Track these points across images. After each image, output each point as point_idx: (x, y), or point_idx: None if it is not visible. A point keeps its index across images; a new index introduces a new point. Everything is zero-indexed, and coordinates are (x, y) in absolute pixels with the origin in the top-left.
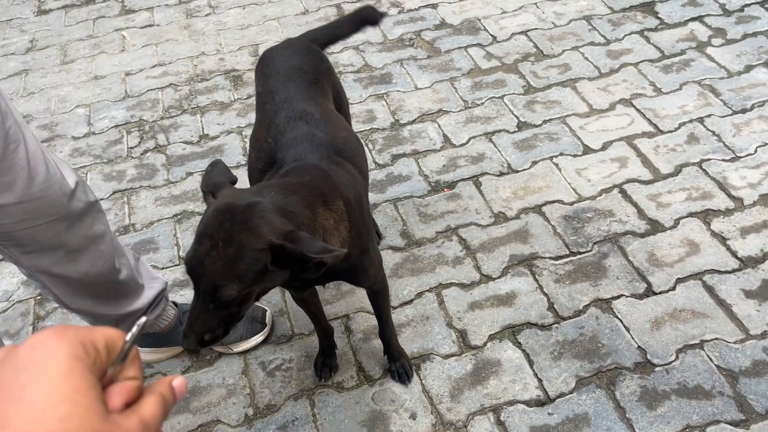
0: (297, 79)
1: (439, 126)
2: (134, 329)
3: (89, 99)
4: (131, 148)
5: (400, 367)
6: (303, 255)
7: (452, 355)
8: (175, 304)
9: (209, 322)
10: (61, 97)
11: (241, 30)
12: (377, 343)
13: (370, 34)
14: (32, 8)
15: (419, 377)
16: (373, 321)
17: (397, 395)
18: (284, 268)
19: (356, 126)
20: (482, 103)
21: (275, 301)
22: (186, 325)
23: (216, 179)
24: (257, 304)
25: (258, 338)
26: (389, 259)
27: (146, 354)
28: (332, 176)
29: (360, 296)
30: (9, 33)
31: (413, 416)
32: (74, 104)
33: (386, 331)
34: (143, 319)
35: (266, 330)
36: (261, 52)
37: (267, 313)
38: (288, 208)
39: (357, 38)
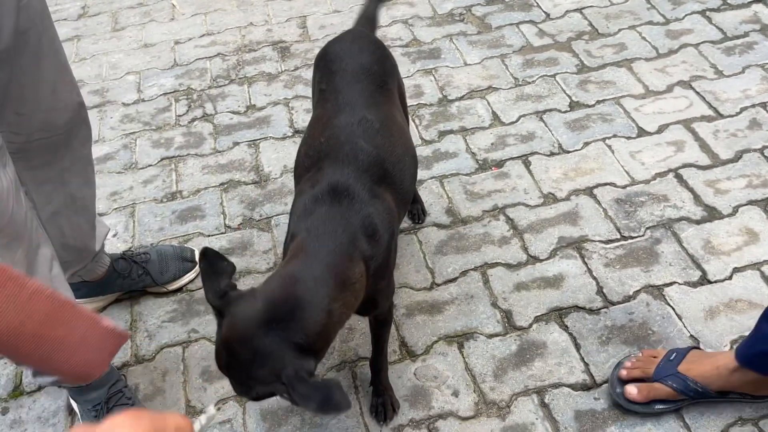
0: (365, 80)
1: (488, 103)
2: (202, 420)
3: (139, 66)
4: (179, 116)
5: (381, 403)
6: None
7: (496, 335)
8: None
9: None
10: (112, 63)
11: (289, 1)
12: (420, 318)
13: (419, 8)
14: None
15: (462, 355)
16: (417, 296)
17: (440, 372)
18: None
19: None
20: (533, 81)
21: None
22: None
23: (219, 287)
24: (186, 245)
25: (190, 275)
26: (434, 237)
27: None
28: (358, 239)
29: (404, 272)
30: None
31: (455, 393)
32: (125, 71)
33: (378, 361)
34: (212, 409)
35: (197, 267)
36: (309, 24)
37: (195, 252)
38: (298, 333)
39: (406, 12)
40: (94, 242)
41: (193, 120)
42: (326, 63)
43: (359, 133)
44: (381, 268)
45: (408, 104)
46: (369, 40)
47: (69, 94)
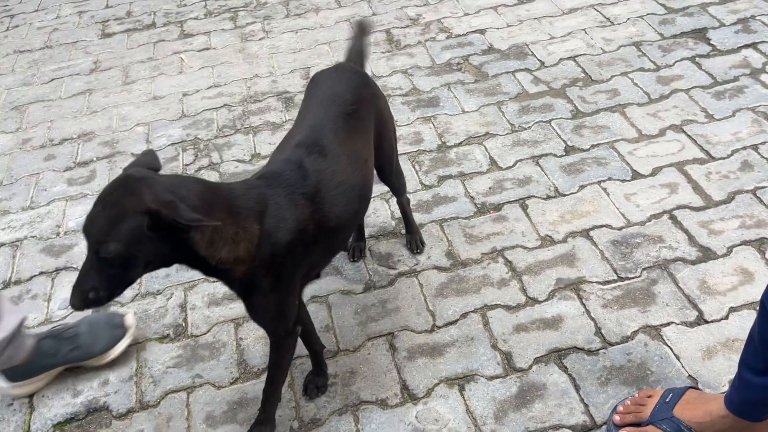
0: (332, 106)
1: (486, 149)
2: None
3: (148, 118)
4: (186, 165)
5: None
6: (175, 222)
7: (497, 377)
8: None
9: (94, 280)
10: (122, 115)
11: (293, 53)
12: (421, 361)
13: (418, 59)
14: (97, 32)
15: (463, 398)
16: (419, 339)
17: (441, 415)
18: (164, 239)
19: (403, 147)
20: (529, 127)
21: (321, 317)
22: (75, 282)
23: (138, 162)
24: (116, 310)
25: (124, 342)
26: (434, 280)
27: (15, 389)
28: (269, 205)
29: (405, 314)
30: (74, 54)
31: None
32: (134, 122)
33: (264, 390)
34: None
35: (130, 332)
36: (311, 74)
37: (126, 317)
38: (184, 192)
39: (405, 62)
40: None
41: (200, 169)
42: (309, 88)
43: (307, 156)
44: (268, 268)
45: (408, 151)
46: (351, 71)
47: None
